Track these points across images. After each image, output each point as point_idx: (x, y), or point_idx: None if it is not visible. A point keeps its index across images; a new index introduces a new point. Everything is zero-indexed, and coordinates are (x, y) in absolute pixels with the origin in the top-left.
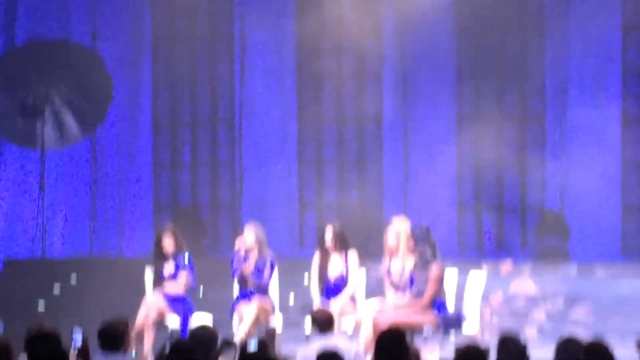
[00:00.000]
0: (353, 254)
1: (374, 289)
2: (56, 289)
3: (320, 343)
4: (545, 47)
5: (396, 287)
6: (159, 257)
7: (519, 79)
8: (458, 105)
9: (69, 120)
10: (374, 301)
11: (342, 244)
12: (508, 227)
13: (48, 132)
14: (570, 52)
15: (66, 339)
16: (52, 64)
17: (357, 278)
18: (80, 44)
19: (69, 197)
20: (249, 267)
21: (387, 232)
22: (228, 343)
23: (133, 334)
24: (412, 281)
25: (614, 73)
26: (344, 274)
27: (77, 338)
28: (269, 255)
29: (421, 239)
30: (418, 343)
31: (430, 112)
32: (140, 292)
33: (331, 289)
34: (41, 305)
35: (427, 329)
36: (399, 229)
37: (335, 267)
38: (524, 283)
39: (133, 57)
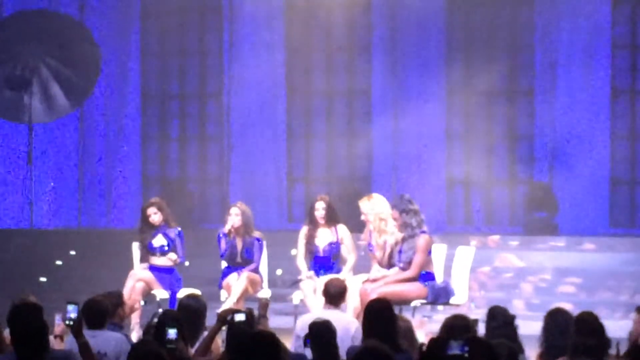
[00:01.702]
0: (344, 228)
1: (360, 263)
2: (46, 261)
3: (324, 313)
4: (534, 21)
5: (379, 262)
6: (146, 230)
7: (508, 52)
8: (447, 78)
9: (57, 92)
10: (362, 275)
11: (333, 217)
12: (497, 200)
13: (36, 104)
14: (559, 25)
15: (53, 312)
16: (40, 36)
17: (355, 251)
18: (68, 16)
19: (57, 170)
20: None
21: (361, 205)
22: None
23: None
24: (400, 253)
25: (603, 46)
26: (333, 245)
27: (71, 312)
28: (256, 237)
29: (404, 209)
30: (406, 314)
31: (419, 85)
32: (128, 264)
33: (319, 260)
34: (30, 277)
35: (416, 301)
36: (372, 207)
37: (324, 239)
38: (512, 256)
39: (121, 29)
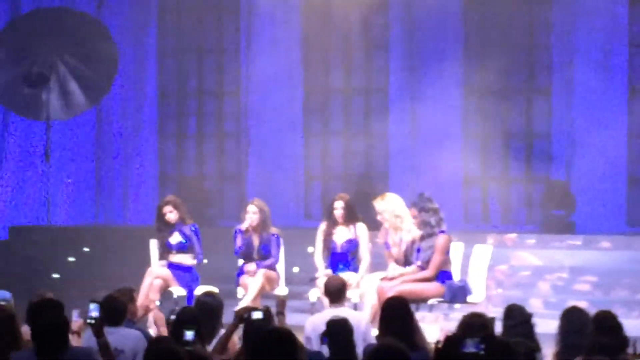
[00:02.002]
0: (362, 226)
1: (378, 261)
2: (63, 258)
3: (331, 312)
4: (551, 20)
5: (396, 260)
6: (163, 229)
7: (525, 51)
8: (464, 76)
9: (74, 89)
10: (379, 273)
11: (352, 216)
12: (514, 198)
13: (53, 101)
14: (576, 24)
15: (70, 308)
16: (57, 33)
17: (370, 251)
18: (86, 13)
19: (74, 167)
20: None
21: (376, 205)
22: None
23: (138, 304)
24: (418, 251)
25: (620, 45)
26: (351, 242)
27: (93, 310)
28: (273, 233)
29: (423, 207)
30: (423, 312)
31: (436, 83)
32: (144, 261)
33: (337, 257)
34: (47, 274)
35: (433, 299)
36: (387, 206)
37: (342, 236)
38: (529, 254)
39: (139, 26)
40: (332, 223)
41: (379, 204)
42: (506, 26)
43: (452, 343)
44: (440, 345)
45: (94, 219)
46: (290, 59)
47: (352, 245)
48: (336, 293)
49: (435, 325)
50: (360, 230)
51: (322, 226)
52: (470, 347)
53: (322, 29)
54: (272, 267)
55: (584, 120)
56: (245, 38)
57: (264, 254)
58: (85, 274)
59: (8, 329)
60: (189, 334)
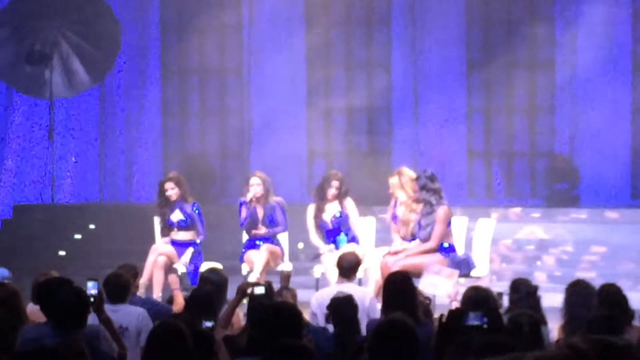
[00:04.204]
0: (351, 202)
1: (382, 236)
2: (68, 236)
3: (337, 288)
4: None
5: (402, 234)
6: (164, 205)
7: (528, 24)
8: (467, 51)
9: (77, 67)
10: (383, 249)
11: (345, 193)
12: (518, 172)
13: (56, 79)
14: None
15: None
16: (60, 11)
17: (361, 223)
18: None
19: (78, 145)
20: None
21: (390, 181)
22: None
23: (143, 280)
24: (419, 226)
25: (623, 17)
26: (338, 217)
27: (92, 289)
28: (276, 201)
29: (425, 186)
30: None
31: (439, 58)
32: (149, 238)
33: (330, 233)
34: (52, 252)
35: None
36: (401, 179)
37: (329, 213)
38: (534, 228)
39: (141, 4)
40: (323, 201)
41: (395, 179)
42: (508, 0)
43: (455, 317)
44: (444, 320)
45: (99, 197)
46: (292, 35)
47: (341, 218)
48: (349, 269)
49: (450, 280)
50: (350, 206)
51: (311, 208)
52: (473, 320)
53: (324, 4)
54: (277, 240)
55: (588, 93)
56: (247, 14)
57: (270, 223)
58: (91, 251)
59: (12, 307)
60: (208, 324)
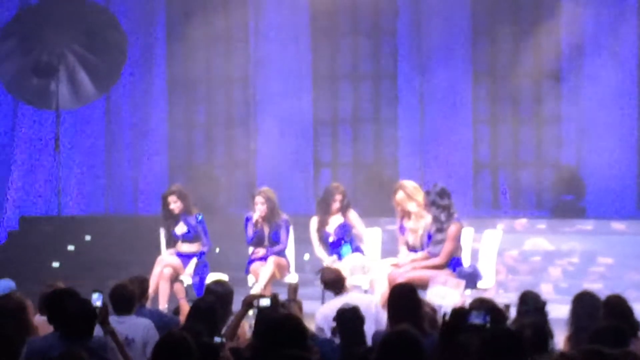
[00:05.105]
0: (354, 213)
1: (388, 248)
2: (71, 247)
3: (340, 301)
4: (561, 4)
5: (410, 246)
6: (168, 218)
7: (534, 33)
8: (473, 62)
9: (84, 78)
10: (389, 260)
11: (347, 205)
12: (524, 183)
13: (62, 91)
14: (585, 8)
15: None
16: (66, 23)
17: (367, 234)
18: (94, 2)
19: (84, 156)
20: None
21: (397, 198)
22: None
23: (149, 291)
24: (429, 238)
25: (629, 28)
26: (342, 227)
27: (96, 300)
28: (282, 218)
29: (434, 202)
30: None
31: (445, 68)
32: (154, 250)
33: (333, 245)
34: (58, 263)
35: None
36: (406, 191)
37: (332, 224)
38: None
39: (147, 15)
40: (327, 214)
41: (400, 194)
42: (514, 11)
43: (458, 315)
44: (447, 318)
45: (105, 208)
46: (298, 45)
47: (343, 229)
48: (333, 284)
49: (457, 290)
50: (354, 217)
51: (314, 221)
52: (476, 318)
53: (330, 15)
54: (280, 253)
55: (594, 104)
56: (253, 25)
57: (274, 240)
58: (96, 263)
59: (19, 318)
60: (217, 339)
